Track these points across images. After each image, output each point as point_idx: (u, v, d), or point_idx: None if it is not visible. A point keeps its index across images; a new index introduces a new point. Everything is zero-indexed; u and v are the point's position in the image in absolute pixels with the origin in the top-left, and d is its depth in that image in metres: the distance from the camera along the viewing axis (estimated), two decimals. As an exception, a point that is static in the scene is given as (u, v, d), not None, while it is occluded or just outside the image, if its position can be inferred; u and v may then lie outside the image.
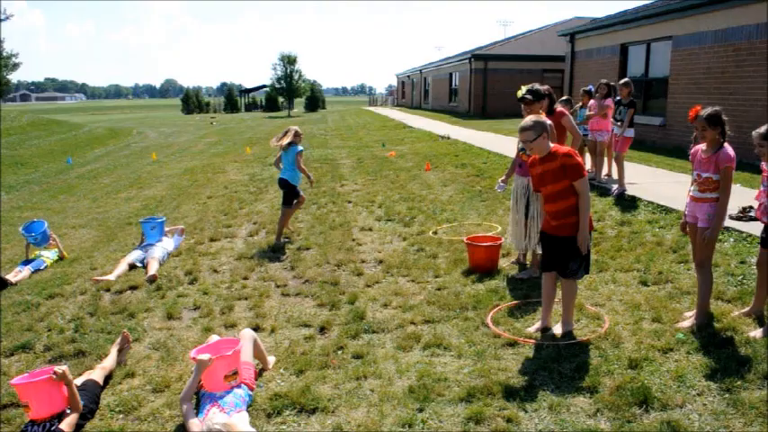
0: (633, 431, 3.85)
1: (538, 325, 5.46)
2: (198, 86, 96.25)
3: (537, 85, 6.67)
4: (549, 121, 5.22)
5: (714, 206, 5.20)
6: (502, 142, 18.45)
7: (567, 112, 7.29)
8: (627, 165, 10.88)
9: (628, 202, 9.88)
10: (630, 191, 10.34)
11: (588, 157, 12.10)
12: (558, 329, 5.37)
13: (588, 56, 21.53)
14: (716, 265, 6.75)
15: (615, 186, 10.57)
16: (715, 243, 5.42)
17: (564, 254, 5.22)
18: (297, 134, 9.03)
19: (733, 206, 8.26)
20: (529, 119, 5.16)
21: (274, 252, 8.45)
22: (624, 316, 5.65)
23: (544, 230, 5.42)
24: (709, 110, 5.14)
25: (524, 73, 29.03)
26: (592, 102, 11.43)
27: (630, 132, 10.47)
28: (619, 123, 10.52)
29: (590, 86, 12.01)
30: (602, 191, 10.83)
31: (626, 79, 10.97)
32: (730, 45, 14.20)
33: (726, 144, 5.13)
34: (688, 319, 5.42)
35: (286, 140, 8.91)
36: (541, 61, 33.96)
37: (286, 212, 9.08)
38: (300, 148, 8.98)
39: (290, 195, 9.03)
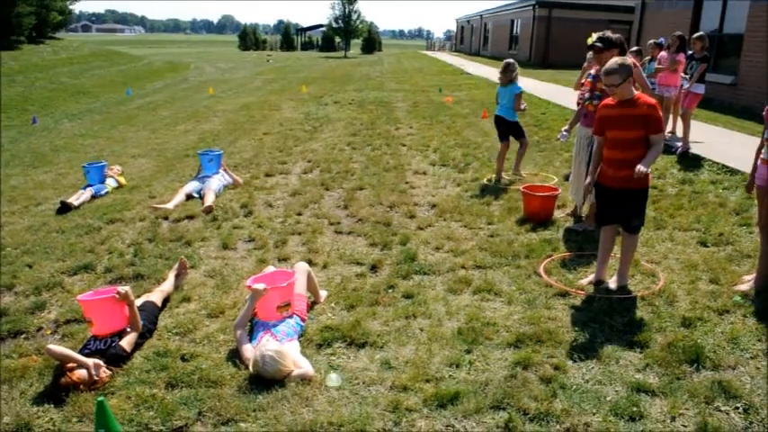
0: (682, 388, 3.82)
1: (591, 277, 5.39)
2: (255, 23, 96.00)
3: (609, 33, 6.43)
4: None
5: None
6: (562, 93, 18.00)
7: (638, 64, 7.05)
8: (693, 123, 10.50)
9: (691, 161, 9.58)
10: (695, 149, 10.01)
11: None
12: (613, 283, 5.28)
13: (659, 7, 20.61)
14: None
15: (679, 144, 10.24)
16: None
17: (630, 209, 5.10)
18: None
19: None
20: (614, 62, 4.93)
21: (327, 190, 8.51)
22: (680, 275, 5.54)
23: (603, 183, 5.22)
24: None
25: (590, 23, 27.93)
26: (663, 54, 10.97)
27: (700, 89, 10.06)
28: (689, 77, 10.11)
29: (661, 39, 11.52)
30: (665, 148, 10.49)
31: (700, 33, 10.50)
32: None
33: None
34: (746, 283, 5.28)
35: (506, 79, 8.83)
36: (609, 11, 32.71)
37: (502, 150, 9.07)
38: (521, 88, 8.83)
39: (506, 132, 9.02)
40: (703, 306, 4.89)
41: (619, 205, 5.14)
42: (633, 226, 5.17)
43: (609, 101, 5.14)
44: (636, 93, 5.00)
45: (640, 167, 4.74)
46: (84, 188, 8.36)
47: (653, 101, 4.98)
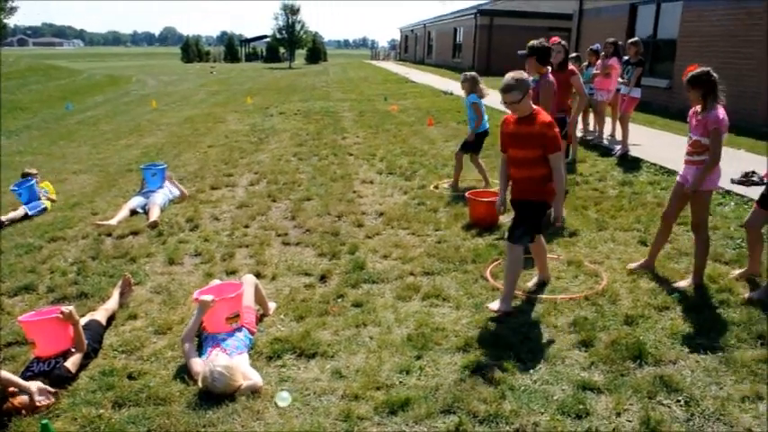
0: (626, 384, 3.93)
1: (535, 279, 5.51)
2: (198, 35, 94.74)
3: (535, 41, 6.59)
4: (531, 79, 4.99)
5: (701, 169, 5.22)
6: (505, 100, 18.32)
7: (577, 71, 7.30)
8: (631, 126, 10.83)
9: (630, 163, 9.87)
10: (633, 152, 10.32)
11: (592, 116, 12.07)
12: (495, 305, 4.95)
13: (596, 14, 21.21)
14: (715, 227, 6.82)
15: (618, 147, 10.55)
16: (707, 206, 5.44)
17: (519, 217, 4.99)
18: (465, 80, 8.73)
19: (736, 170, 8.30)
20: (510, 77, 4.71)
21: (274, 201, 8.47)
22: (622, 274, 5.70)
23: (513, 198, 5.14)
24: (695, 70, 5.14)
25: (530, 30, 28.52)
26: (600, 62, 11.31)
27: (637, 93, 10.39)
28: (626, 82, 10.43)
29: (596, 45, 11.87)
30: (605, 151, 10.80)
31: (635, 38, 10.86)
32: (743, 8, 13.96)
33: (718, 106, 5.08)
34: (685, 279, 5.48)
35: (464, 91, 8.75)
36: (548, 19, 33.44)
37: (464, 158, 8.91)
38: (473, 98, 8.61)
39: (467, 144, 8.78)
40: (645, 304, 5.05)
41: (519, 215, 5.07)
42: (515, 235, 4.91)
43: (509, 117, 5.02)
44: (534, 109, 4.85)
45: (555, 214, 4.95)
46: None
47: (548, 119, 4.80)
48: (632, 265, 5.77)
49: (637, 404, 3.74)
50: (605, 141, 11.49)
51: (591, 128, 12.36)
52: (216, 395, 3.82)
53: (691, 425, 3.56)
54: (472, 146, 8.74)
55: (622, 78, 10.64)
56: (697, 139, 5.18)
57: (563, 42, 7.57)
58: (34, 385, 3.83)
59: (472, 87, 8.63)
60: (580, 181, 9.06)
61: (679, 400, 3.77)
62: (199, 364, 4.06)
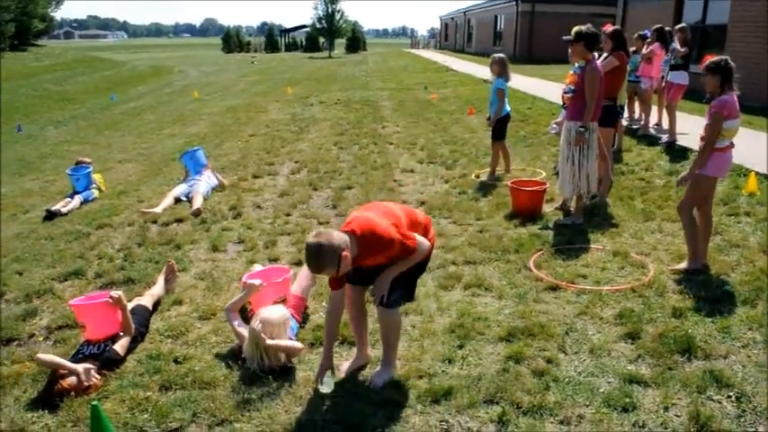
0: (674, 378, 3.84)
1: (347, 364, 4.15)
2: (238, 26, 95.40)
3: (583, 27, 6.49)
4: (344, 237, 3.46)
5: (713, 155, 5.17)
6: (548, 88, 18.06)
7: (626, 58, 7.23)
8: (678, 115, 10.55)
9: (677, 153, 9.63)
10: (681, 141, 10.06)
11: (638, 105, 11.82)
12: (376, 379, 3.90)
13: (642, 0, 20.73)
14: (765, 219, 6.61)
15: (665, 136, 10.31)
16: (700, 191, 5.38)
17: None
18: (495, 63, 8.62)
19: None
20: (313, 251, 3.41)
21: (315, 190, 8.51)
22: (670, 266, 5.58)
23: None
24: (714, 58, 5.11)
25: (573, 17, 28.01)
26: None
27: (685, 79, 10.12)
28: (679, 52, 10.07)
29: (646, 31, 11.58)
30: (651, 140, 10.56)
31: (682, 24, 10.58)
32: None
33: (730, 93, 5.04)
34: (682, 262, 5.51)
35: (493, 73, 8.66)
36: (592, 4, 32.73)
37: (493, 147, 8.89)
38: (500, 83, 8.51)
39: (494, 130, 8.73)
40: (693, 296, 4.92)
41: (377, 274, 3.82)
42: (390, 300, 3.80)
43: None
44: (364, 241, 3.52)
45: (381, 278, 3.75)
46: (71, 195, 8.30)
47: (386, 237, 3.51)
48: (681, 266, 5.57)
49: (685, 399, 3.65)
50: (652, 130, 11.22)
51: (636, 116, 12.10)
52: (257, 375, 3.89)
53: (742, 421, 3.47)
54: (499, 131, 8.69)
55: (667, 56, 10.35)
56: (707, 124, 5.17)
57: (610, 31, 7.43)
58: (81, 367, 3.93)
59: (501, 70, 8.54)
60: (626, 171, 8.89)
61: (730, 396, 3.67)
62: (246, 328, 4.18)
